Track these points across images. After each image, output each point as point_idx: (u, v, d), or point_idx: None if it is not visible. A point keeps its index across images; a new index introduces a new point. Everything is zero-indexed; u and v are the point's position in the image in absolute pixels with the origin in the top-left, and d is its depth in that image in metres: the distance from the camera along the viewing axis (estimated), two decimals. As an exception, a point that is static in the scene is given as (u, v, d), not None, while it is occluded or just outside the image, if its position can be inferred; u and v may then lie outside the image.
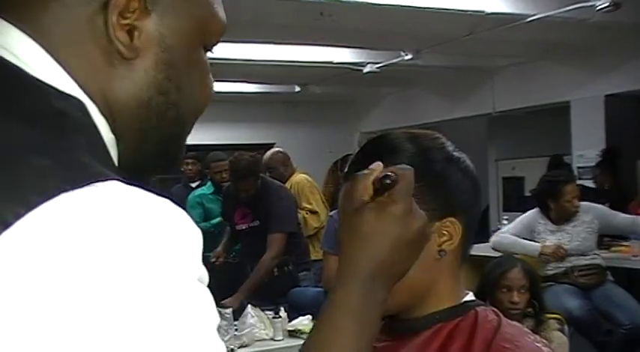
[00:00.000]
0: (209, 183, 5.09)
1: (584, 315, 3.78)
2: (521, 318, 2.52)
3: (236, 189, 3.96)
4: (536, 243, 3.97)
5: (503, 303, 2.49)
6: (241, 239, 4.25)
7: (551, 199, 3.98)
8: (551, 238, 3.99)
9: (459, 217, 0.87)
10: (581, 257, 3.96)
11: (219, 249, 4.42)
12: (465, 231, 0.88)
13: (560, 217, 4.02)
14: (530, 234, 4.07)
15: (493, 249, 4.07)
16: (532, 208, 4.25)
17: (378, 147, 0.90)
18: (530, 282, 2.61)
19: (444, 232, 0.87)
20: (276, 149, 5.28)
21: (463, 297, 0.92)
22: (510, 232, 4.17)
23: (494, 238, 4.20)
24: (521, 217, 4.26)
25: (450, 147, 0.91)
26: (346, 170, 0.92)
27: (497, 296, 2.58)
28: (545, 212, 4.07)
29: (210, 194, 4.93)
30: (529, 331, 0.89)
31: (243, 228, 4.12)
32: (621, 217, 4.14)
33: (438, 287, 0.89)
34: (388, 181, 0.72)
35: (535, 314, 2.62)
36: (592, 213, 4.04)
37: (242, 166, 3.81)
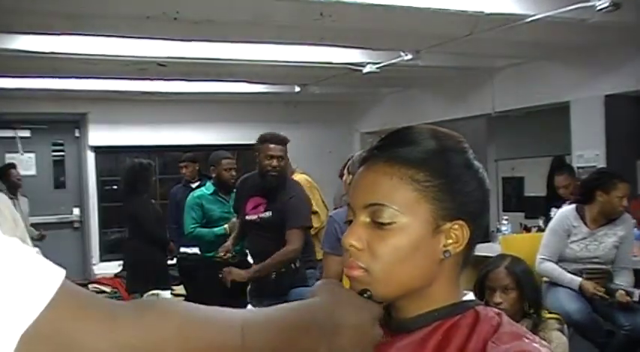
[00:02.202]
0: (208, 183, 5.08)
1: (583, 318, 3.76)
2: (520, 318, 2.51)
3: (276, 160, 3.92)
4: (576, 278, 3.82)
5: (489, 304, 2.45)
6: (249, 230, 4.17)
7: (602, 191, 3.83)
8: (579, 244, 3.90)
9: (468, 222, 0.88)
10: (595, 263, 3.92)
11: (227, 243, 4.40)
12: (471, 237, 0.89)
13: (602, 214, 3.88)
14: (566, 234, 3.93)
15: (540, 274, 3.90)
16: (531, 209, 4.22)
17: (401, 138, 0.91)
18: (516, 281, 2.57)
19: (452, 234, 0.88)
20: None
21: (461, 298, 0.92)
22: (548, 249, 3.94)
23: (537, 268, 3.86)
24: (554, 222, 4.05)
25: (471, 154, 0.92)
26: (365, 155, 0.94)
27: (485, 297, 2.56)
28: (582, 211, 3.93)
29: (210, 194, 4.92)
30: (528, 331, 0.89)
31: (254, 218, 4.05)
32: (629, 253, 4.01)
33: (435, 287, 0.90)
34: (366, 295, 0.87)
35: (531, 314, 2.59)
36: (627, 228, 3.94)
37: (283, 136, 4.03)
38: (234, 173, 4.93)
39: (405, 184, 0.87)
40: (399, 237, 0.86)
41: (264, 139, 3.97)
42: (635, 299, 3.73)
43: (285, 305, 0.81)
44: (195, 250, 5.18)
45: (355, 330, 0.82)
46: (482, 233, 0.93)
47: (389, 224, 0.86)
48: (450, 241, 0.88)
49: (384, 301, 0.90)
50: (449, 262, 0.89)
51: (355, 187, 0.92)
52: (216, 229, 4.80)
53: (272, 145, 3.92)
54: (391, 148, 0.90)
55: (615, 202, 3.83)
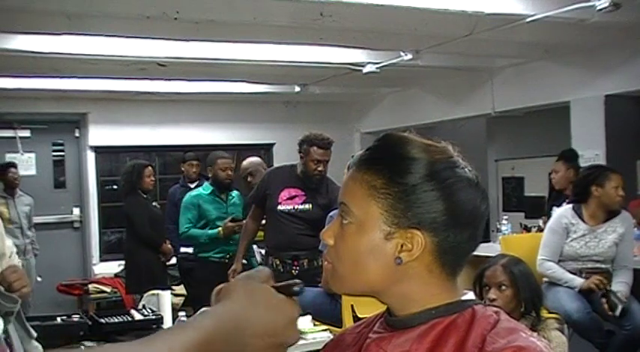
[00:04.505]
0: (206, 183, 5.07)
1: (583, 318, 3.75)
2: (519, 318, 2.50)
3: (322, 165, 4.07)
4: (578, 279, 3.82)
5: (485, 302, 2.46)
6: (276, 220, 4.18)
7: (597, 185, 3.85)
8: (579, 241, 3.90)
9: (425, 233, 0.89)
10: (595, 262, 3.92)
11: (235, 266, 4.41)
12: (435, 248, 0.89)
13: (602, 208, 3.89)
14: (565, 233, 3.92)
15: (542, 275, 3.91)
16: (531, 209, 4.22)
17: (375, 145, 0.97)
18: (511, 279, 2.57)
19: (406, 243, 0.89)
20: (255, 158, 5.35)
21: (460, 298, 0.93)
22: (548, 249, 3.94)
23: (538, 268, 3.86)
24: (552, 221, 4.06)
25: (442, 165, 0.91)
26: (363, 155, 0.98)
27: (482, 295, 2.58)
28: (579, 209, 3.94)
29: (207, 194, 4.91)
30: (526, 328, 0.90)
31: (288, 209, 4.11)
32: (629, 251, 4.00)
33: (405, 289, 0.91)
34: (297, 288, 0.83)
35: (529, 313, 2.59)
36: (626, 225, 3.94)
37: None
38: (230, 173, 4.94)
39: (363, 189, 0.91)
40: (355, 238, 0.91)
41: (311, 142, 4.04)
42: (617, 314, 3.71)
43: (198, 321, 0.76)
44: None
45: (267, 333, 0.78)
46: (463, 242, 0.91)
47: (348, 224, 0.92)
48: (403, 248, 0.89)
49: (347, 295, 0.96)
50: (414, 267, 0.90)
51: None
52: (210, 231, 4.79)
53: (320, 150, 4.06)
54: (365, 154, 0.96)
55: (612, 193, 3.85)
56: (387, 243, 0.90)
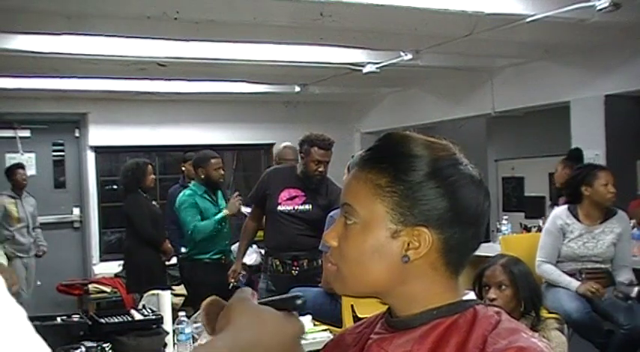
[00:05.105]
0: (195, 183, 4.98)
1: (582, 318, 3.76)
2: (519, 318, 2.51)
3: (322, 166, 4.07)
4: (575, 282, 3.83)
5: (485, 301, 2.46)
6: (275, 220, 4.19)
7: (586, 185, 3.87)
8: (577, 241, 3.91)
9: (432, 230, 0.88)
10: (595, 262, 3.92)
11: (235, 267, 4.44)
12: (441, 245, 0.89)
13: (595, 207, 3.90)
14: (561, 234, 3.94)
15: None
16: (531, 209, 4.22)
17: (377, 144, 0.96)
18: (510, 279, 2.58)
19: (412, 240, 0.89)
20: (285, 143, 5.32)
21: (461, 298, 0.92)
22: (545, 251, 3.96)
23: (536, 270, 3.85)
24: (548, 223, 4.09)
25: (445, 163, 0.91)
26: (362, 156, 0.97)
27: (482, 294, 2.58)
28: (574, 210, 3.96)
29: (201, 194, 4.83)
30: (527, 328, 0.90)
31: (288, 209, 4.12)
32: (627, 251, 4.01)
33: (413, 288, 0.91)
34: (299, 302, 0.84)
35: (529, 313, 2.59)
36: (623, 225, 3.95)
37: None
38: (222, 172, 4.91)
39: (368, 188, 0.91)
40: (360, 238, 0.90)
41: (312, 143, 4.04)
42: (633, 295, 3.73)
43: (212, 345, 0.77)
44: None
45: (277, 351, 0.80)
46: (467, 240, 0.92)
47: (353, 224, 0.91)
48: (410, 246, 0.89)
49: (357, 296, 0.95)
50: (419, 265, 0.90)
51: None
52: (216, 217, 4.70)
53: (320, 151, 4.06)
54: (367, 153, 0.95)
55: (602, 191, 3.86)
56: (394, 242, 0.89)
